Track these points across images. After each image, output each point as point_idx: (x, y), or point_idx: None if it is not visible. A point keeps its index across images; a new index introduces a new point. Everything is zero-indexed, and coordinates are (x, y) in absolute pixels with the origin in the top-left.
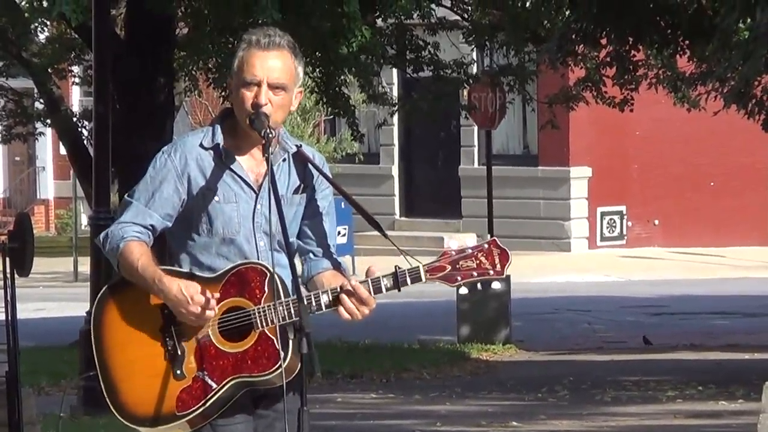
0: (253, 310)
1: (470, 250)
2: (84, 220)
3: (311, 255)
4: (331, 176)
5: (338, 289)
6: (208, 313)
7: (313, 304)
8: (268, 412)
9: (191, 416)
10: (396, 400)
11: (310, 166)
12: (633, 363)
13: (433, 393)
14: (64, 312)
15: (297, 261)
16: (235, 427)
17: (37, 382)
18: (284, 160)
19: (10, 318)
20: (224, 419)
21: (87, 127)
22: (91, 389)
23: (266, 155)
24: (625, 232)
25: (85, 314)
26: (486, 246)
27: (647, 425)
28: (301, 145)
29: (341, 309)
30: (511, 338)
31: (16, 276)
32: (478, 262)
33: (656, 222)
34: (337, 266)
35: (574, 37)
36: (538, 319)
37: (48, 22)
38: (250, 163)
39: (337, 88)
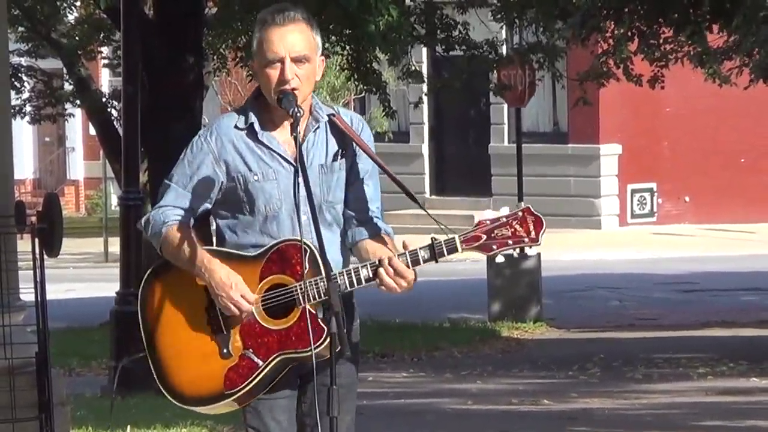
0: (295, 286)
1: (505, 219)
2: (114, 200)
3: (354, 221)
4: (369, 138)
5: (377, 263)
6: (245, 305)
7: (354, 278)
8: (318, 385)
9: (239, 394)
10: (427, 378)
11: (346, 130)
12: (664, 340)
13: (464, 371)
14: (94, 293)
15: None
16: (277, 402)
17: (67, 363)
18: (316, 129)
19: (39, 299)
20: (268, 394)
21: (116, 108)
22: (128, 370)
23: (294, 134)
24: (655, 209)
25: (115, 294)
26: (520, 214)
27: (678, 402)
28: (334, 114)
29: (380, 283)
30: (542, 316)
31: (45, 257)
32: (513, 230)
33: (687, 199)
34: (379, 232)
35: (597, 13)
36: (569, 296)
37: (77, 3)
38: (285, 138)
39: (368, 65)
